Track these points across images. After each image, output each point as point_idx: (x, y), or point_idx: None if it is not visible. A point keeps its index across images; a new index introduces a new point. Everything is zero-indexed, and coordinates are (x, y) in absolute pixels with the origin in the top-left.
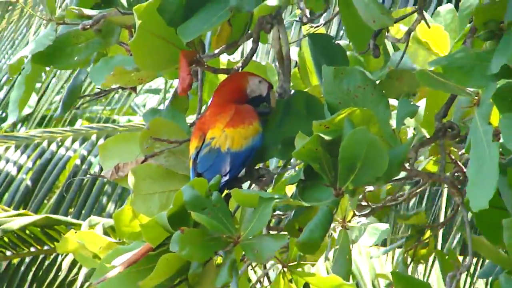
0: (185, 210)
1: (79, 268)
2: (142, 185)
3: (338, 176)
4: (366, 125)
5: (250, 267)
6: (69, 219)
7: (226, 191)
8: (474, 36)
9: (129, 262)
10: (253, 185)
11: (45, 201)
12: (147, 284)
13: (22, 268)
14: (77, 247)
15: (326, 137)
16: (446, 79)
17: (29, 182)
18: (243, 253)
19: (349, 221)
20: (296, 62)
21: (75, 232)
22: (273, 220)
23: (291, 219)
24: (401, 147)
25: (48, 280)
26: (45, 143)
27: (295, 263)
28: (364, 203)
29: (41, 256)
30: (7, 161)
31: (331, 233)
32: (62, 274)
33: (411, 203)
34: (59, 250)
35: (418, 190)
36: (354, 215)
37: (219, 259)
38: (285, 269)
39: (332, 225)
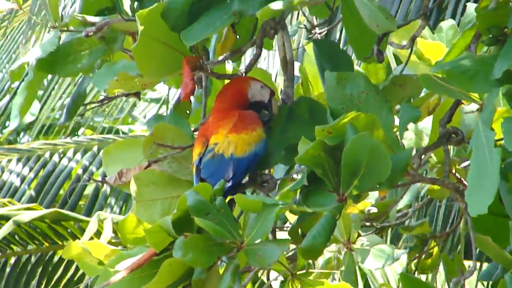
0: (189, 215)
1: None
2: (144, 191)
3: (341, 182)
4: (369, 130)
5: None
6: (77, 215)
7: (229, 197)
8: (478, 42)
9: (132, 266)
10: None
11: None
12: None
13: (30, 264)
14: (81, 253)
15: (329, 142)
16: (449, 84)
17: (32, 193)
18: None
19: (354, 243)
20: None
21: (79, 241)
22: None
23: (294, 225)
24: (404, 152)
25: (56, 277)
26: (47, 155)
27: (304, 271)
28: (368, 224)
29: (49, 253)
30: (10, 173)
31: (337, 255)
32: (70, 271)
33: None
34: (64, 256)
35: (420, 203)
36: (359, 235)
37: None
38: (294, 278)
39: (337, 246)
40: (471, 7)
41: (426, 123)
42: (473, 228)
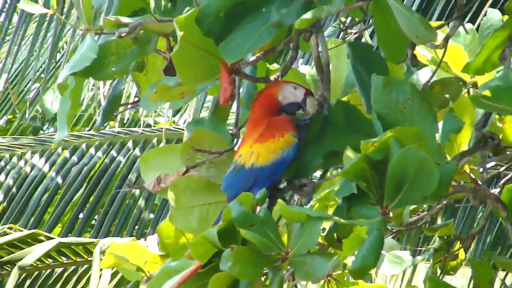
0: (233, 226)
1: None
2: (182, 198)
3: (385, 195)
4: (413, 143)
5: None
6: (82, 239)
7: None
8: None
9: (178, 282)
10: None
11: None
12: None
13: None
14: (119, 261)
15: (374, 157)
16: (497, 102)
17: (58, 181)
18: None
19: None
20: None
21: (119, 245)
22: None
23: (331, 230)
24: (449, 165)
25: None
26: (71, 147)
27: (340, 272)
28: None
29: (51, 270)
30: (33, 165)
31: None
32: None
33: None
34: (102, 266)
35: (438, 207)
36: None
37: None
38: (330, 278)
39: None
40: (491, 12)
41: None
42: None
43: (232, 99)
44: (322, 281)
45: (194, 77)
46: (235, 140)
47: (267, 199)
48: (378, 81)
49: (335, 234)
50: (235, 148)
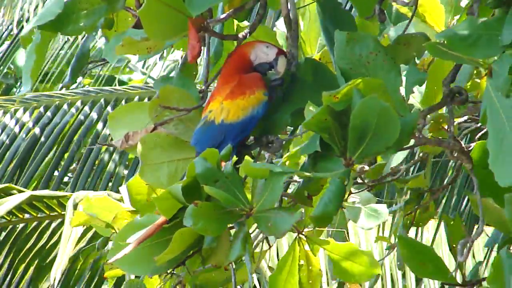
0: (198, 182)
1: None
2: (151, 154)
3: (348, 146)
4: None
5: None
6: (54, 192)
7: (234, 159)
8: (479, 1)
9: (143, 237)
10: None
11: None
12: (163, 258)
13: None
14: (88, 219)
15: (336, 108)
16: (452, 50)
17: (31, 140)
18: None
19: (346, 201)
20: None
21: (91, 199)
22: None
23: (300, 187)
24: (411, 114)
25: (27, 247)
26: (42, 108)
27: (310, 229)
28: (360, 181)
29: (22, 224)
30: (5, 125)
31: None
32: (42, 240)
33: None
34: (72, 224)
35: (414, 160)
36: (350, 193)
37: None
38: (301, 236)
39: None
40: None
41: None
42: (479, 191)
43: (199, 56)
44: (294, 237)
45: (161, 34)
46: (203, 97)
47: (234, 156)
48: (342, 37)
49: (305, 192)
50: (203, 105)
